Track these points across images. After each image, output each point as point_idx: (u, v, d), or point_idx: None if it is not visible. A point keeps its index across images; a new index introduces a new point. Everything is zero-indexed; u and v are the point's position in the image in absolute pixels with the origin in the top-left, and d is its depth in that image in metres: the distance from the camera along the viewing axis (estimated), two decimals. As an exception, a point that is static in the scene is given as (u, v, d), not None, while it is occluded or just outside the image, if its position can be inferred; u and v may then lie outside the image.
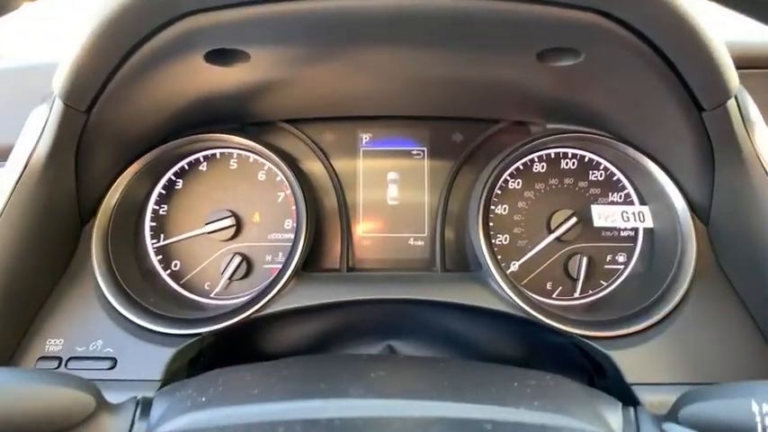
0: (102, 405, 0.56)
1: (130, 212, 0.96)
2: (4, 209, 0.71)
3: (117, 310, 0.81)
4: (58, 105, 0.71)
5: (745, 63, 0.72)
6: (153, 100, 0.78)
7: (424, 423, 0.49)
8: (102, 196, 0.88)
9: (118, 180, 0.90)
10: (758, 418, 0.48)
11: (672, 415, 0.54)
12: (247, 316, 0.82)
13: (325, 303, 0.84)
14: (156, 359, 0.77)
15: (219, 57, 0.70)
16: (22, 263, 0.74)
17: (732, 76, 0.66)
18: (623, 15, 0.62)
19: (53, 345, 0.78)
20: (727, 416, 0.49)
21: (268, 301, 0.84)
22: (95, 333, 0.79)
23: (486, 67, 0.79)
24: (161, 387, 0.75)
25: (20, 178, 0.73)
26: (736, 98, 0.69)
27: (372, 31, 0.69)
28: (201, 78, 0.75)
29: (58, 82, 0.68)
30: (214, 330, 0.81)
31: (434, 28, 0.68)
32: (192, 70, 0.72)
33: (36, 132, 0.73)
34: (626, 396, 0.74)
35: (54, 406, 0.53)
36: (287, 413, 0.51)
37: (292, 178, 0.92)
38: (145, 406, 0.58)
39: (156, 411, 0.58)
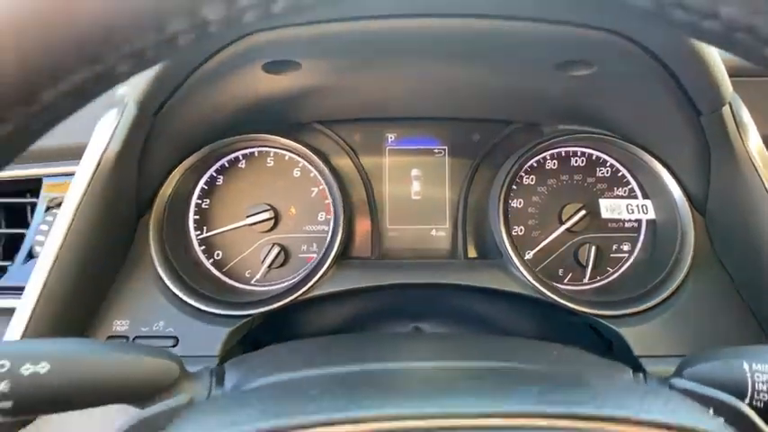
0: (184, 373, 0.65)
1: (179, 206, 1.04)
2: (80, 201, 0.80)
3: (175, 294, 0.90)
4: (131, 110, 0.80)
5: (736, 72, 0.81)
6: (211, 105, 0.87)
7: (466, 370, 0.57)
8: (157, 191, 0.97)
9: (170, 177, 0.98)
10: (748, 375, 0.58)
11: (676, 375, 0.63)
12: (294, 298, 0.92)
13: (363, 287, 0.93)
14: (213, 337, 0.86)
15: (275, 66, 0.79)
16: (93, 249, 0.83)
17: (727, 84, 0.76)
18: (635, 35, 0.71)
19: (120, 325, 0.87)
20: (724, 374, 0.59)
21: (312, 286, 0.93)
22: (157, 315, 0.88)
23: (508, 75, 0.88)
24: (220, 362, 0.84)
25: (93, 175, 0.81)
26: (730, 104, 0.79)
27: (410, 45, 0.78)
28: (256, 85, 0.84)
29: (134, 90, 0.77)
30: (264, 312, 0.90)
31: (465, 43, 0.77)
32: (250, 78, 0.81)
33: (107, 134, 0.82)
34: (633, 367, 0.83)
35: (147, 371, 0.62)
36: (347, 367, 0.60)
37: (329, 175, 1.01)
38: (219, 375, 0.67)
39: (230, 378, 0.67)
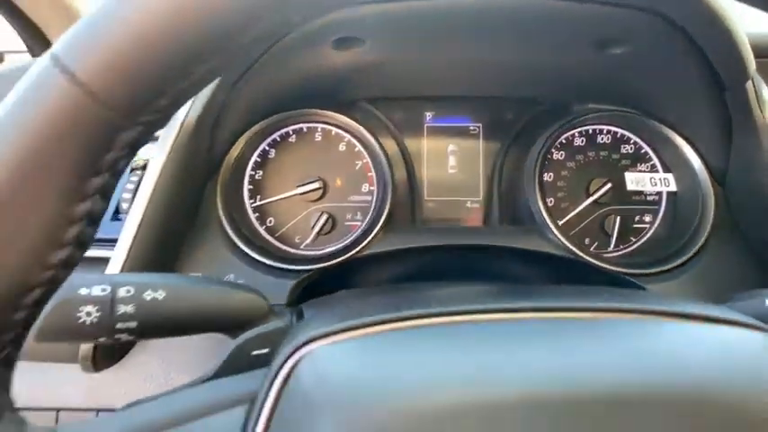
0: (271, 308, 0.74)
1: (236, 176, 1.13)
2: (165, 162, 0.88)
3: (243, 250, 0.99)
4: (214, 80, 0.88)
5: (757, 52, 0.89)
6: (280, 79, 0.95)
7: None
8: (223, 157, 1.06)
9: (233, 146, 1.07)
10: (768, 310, 0.67)
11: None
12: (350, 256, 1.00)
13: (413, 247, 1.02)
14: (280, 288, 0.95)
15: (344, 43, 0.87)
16: (173, 207, 0.91)
17: (751, 60, 0.84)
18: (665, 11, 0.80)
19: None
20: (749, 309, 0.68)
21: (364, 246, 1.02)
22: (227, 268, 0.97)
23: (547, 54, 0.97)
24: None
25: (176, 139, 0.90)
26: (752, 80, 0.87)
27: (465, 22, 0.86)
28: (323, 61, 0.92)
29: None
30: (324, 267, 0.99)
31: (513, 20, 0.86)
32: (319, 54, 0.89)
33: (189, 102, 0.90)
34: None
35: (243, 303, 0.70)
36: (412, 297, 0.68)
37: (378, 150, 1.10)
38: (299, 313, 0.76)
39: (308, 315, 0.75)
